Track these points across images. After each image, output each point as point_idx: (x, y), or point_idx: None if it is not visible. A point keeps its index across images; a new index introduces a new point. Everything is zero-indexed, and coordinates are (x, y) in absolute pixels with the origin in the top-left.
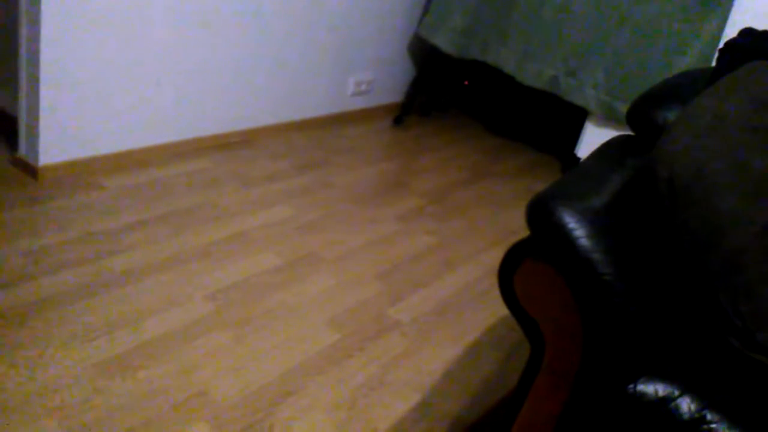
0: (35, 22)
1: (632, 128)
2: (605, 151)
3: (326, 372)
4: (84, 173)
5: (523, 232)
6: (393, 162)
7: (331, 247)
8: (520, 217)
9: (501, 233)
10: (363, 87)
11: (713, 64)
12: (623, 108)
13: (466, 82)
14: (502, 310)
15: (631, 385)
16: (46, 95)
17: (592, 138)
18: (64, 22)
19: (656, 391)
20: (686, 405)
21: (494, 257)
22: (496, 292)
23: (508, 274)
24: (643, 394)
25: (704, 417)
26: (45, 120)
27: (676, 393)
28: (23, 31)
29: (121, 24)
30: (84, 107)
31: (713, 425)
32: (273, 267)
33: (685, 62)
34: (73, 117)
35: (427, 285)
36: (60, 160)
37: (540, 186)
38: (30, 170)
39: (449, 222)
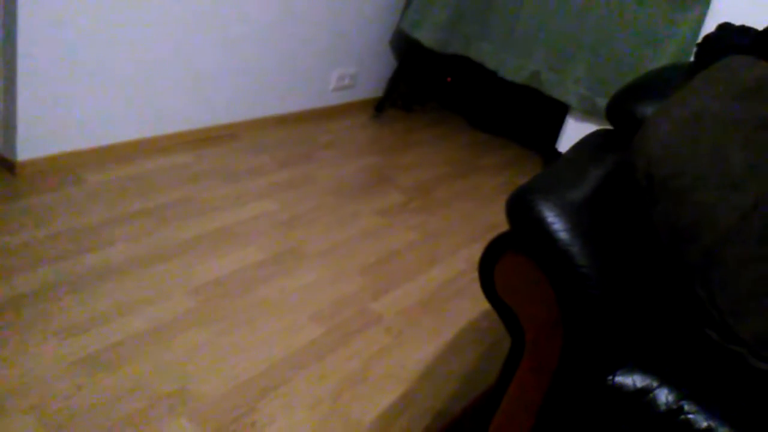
0: (12, 16)
1: (612, 122)
2: (585, 145)
3: (309, 366)
4: (64, 168)
5: (505, 226)
6: (376, 157)
7: (314, 242)
8: (501, 212)
9: (483, 228)
10: (346, 81)
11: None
12: (604, 103)
13: (449, 79)
14: (484, 305)
15: (610, 377)
16: (24, 89)
17: (573, 133)
18: (42, 17)
19: (635, 383)
20: (664, 396)
21: (476, 252)
22: (478, 287)
23: (489, 267)
24: (621, 386)
25: (682, 408)
26: (23, 114)
27: (655, 384)
28: (0, 26)
29: (100, 19)
30: (63, 101)
31: (690, 416)
32: (256, 262)
33: (665, 57)
34: (53, 111)
35: (409, 279)
36: (39, 155)
37: (522, 180)
38: (7, 165)
39: (432, 217)
